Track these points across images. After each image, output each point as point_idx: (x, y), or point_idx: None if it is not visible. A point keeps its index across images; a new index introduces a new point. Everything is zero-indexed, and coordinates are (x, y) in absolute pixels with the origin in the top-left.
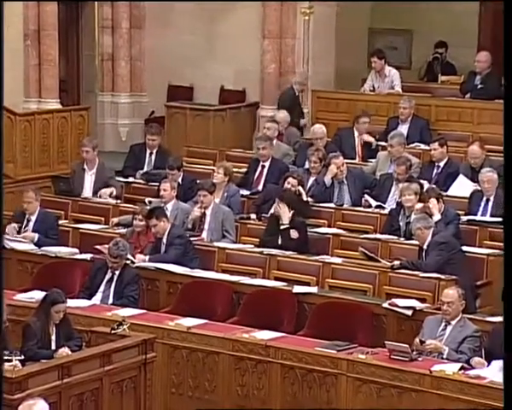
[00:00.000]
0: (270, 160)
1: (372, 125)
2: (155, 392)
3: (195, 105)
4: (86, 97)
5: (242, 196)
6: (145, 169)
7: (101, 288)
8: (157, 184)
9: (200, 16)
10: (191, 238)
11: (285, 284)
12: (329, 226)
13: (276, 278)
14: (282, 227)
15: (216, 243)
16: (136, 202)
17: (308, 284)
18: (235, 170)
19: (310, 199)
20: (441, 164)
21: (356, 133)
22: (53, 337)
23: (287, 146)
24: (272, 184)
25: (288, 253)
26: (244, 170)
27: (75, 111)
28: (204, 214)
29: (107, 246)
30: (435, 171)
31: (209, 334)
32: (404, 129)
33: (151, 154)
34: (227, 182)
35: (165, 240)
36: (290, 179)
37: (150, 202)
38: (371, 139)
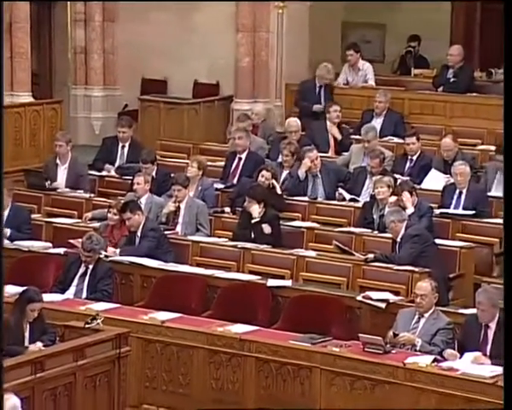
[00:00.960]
0: (246, 152)
1: (346, 118)
2: (129, 386)
3: (169, 98)
4: (59, 91)
5: (217, 189)
6: (117, 162)
7: (75, 282)
8: (131, 177)
9: (173, 9)
10: (165, 232)
11: (259, 277)
12: (303, 220)
13: (251, 272)
14: (253, 221)
15: (190, 237)
16: (109, 196)
17: (282, 277)
18: (209, 163)
19: (283, 192)
20: (414, 157)
21: (329, 125)
22: (26, 334)
23: (261, 139)
24: (246, 178)
25: (262, 246)
26: (218, 163)
27: (48, 104)
28: (178, 208)
29: (80, 240)
30: (408, 164)
31: (183, 328)
32: (378, 122)
33: (123, 147)
34: (201, 175)
35: (139, 233)
36: (264, 172)
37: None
38: (338, 136)
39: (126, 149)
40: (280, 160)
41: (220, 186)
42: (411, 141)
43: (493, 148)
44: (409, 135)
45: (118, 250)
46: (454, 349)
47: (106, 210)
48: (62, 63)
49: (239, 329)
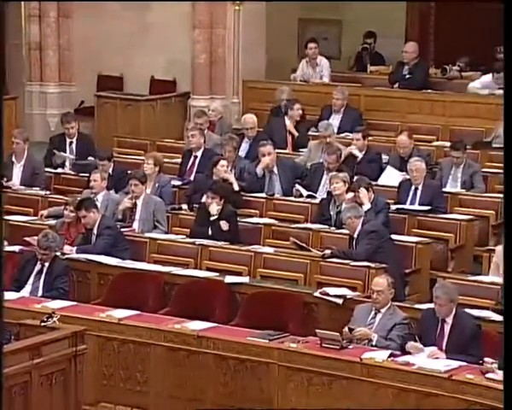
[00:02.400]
0: (202, 149)
1: (303, 114)
2: (86, 384)
3: (125, 95)
4: (13, 87)
5: (174, 186)
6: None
7: (31, 280)
8: (87, 174)
9: (130, 5)
10: (122, 229)
11: (217, 274)
12: (261, 216)
13: (208, 269)
14: (211, 218)
15: (147, 234)
16: (65, 193)
17: (240, 273)
18: (166, 160)
19: (238, 188)
20: (360, 154)
21: (287, 122)
22: None
23: (217, 136)
24: (202, 174)
25: (219, 243)
26: (175, 160)
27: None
28: (135, 205)
29: (36, 238)
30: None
31: (140, 325)
32: (337, 119)
33: (71, 143)
34: (157, 172)
35: (95, 231)
36: (222, 162)
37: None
38: (295, 132)
39: (74, 145)
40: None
41: (177, 183)
42: (356, 137)
43: (448, 144)
44: (355, 131)
45: (74, 248)
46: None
47: (62, 208)
48: (16, 60)
49: (196, 326)
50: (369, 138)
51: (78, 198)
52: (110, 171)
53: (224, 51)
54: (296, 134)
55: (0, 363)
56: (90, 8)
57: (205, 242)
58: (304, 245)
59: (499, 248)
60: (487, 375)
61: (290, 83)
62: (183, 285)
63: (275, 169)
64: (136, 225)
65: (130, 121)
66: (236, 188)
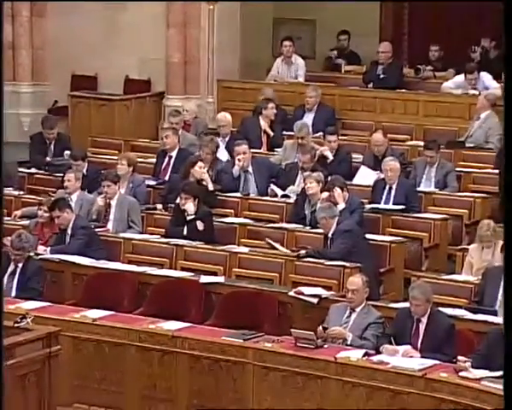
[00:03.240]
0: (176, 149)
1: (285, 113)
2: (61, 385)
3: (100, 95)
4: None
5: (148, 186)
6: (47, 158)
7: (4, 281)
8: (61, 174)
9: (103, 4)
10: (96, 229)
11: (192, 274)
12: (236, 216)
13: (183, 269)
14: (188, 218)
15: (122, 234)
16: (39, 193)
17: (215, 273)
18: (140, 160)
19: (213, 188)
20: (332, 155)
21: (262, 122)
22: None
23: (192, 136)
24: (177, 174)
25: (194, 243)
26: (150, 160)
27: None
28: (109, 205)
29: (9, 238)
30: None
31: (115, 325)
32: (310, 118)
33: (50, 143)
34: (131, 172)
35: (69, 231)
36: (200, 163)
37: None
38: (270, 132)
39: (53, 145)
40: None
41: (152, 183)
42: (332, 139)
43: (422, 143)
44: (330, 133)
45: (48, 248)
46: (391, 344)
47: (36, 208)
48: None
49: (171, 326)
50: (344, 138)
51: (52, 198)
52: (84, 171)
53: (198, 51)
54: (271, 134)
55: (0, 362)
56: (63, 7)
57: (180, 242)
58: (277, 246)
59: (473, 247)
60: (461, 373)
61: (264, 83)
62: (157, 285)
63: (250, 169)
64: (110, 226)
65: (104, 121)
66: (211, 188)
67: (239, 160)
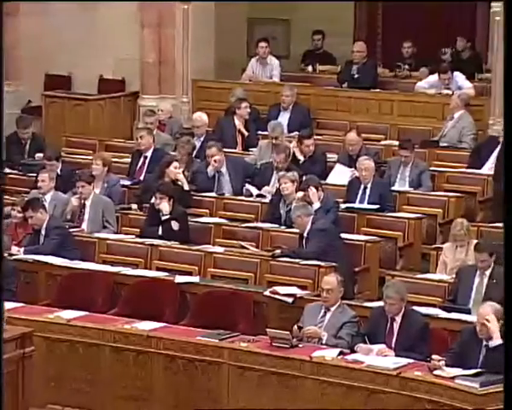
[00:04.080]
0: (151, 150)
1: (259, 113)
2: (34, 386)
3: (74, 94)
4: None
5: (123, 186)
6: (24, 157)
7: None
8: (35, 174)
9: (77, 4)
10: (71, 229)
11: (167, 274)
12: (211, 216)
13: (158, 269)
14: (163, 218)
15: (96, 234)
16: (13, 193)
17: (190, 273)
18: (115, 160)
19: (188, 188)
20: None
21: (237, 122)
22: None
23: (167, 136)
24: (152, 174)
25: (169, 243)
26: (124, 160)
27: None
28: (84, 205)
29: None
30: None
31: (89, 326)
32: (285, 117)
33: (25, 143)
34: (106, 172)
35: (43, 232)
36: (175, 163)
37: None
38: (245, 132)
39: (28, 145)
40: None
41: (127, 183)
42: (308, 143)
43: (396, 143)
44: (305, 137)
45: (22, 249)
46: (365, 343)
47: (9, 208)
48: None
49: (146, 326)
50: (319, 138)
51: (26, 198)
52: (58, 171)
53: (173, 51)
54: (246, 133)
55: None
56: (37, 6)
57: (155, 241)
58: (251, 249)
59: (446, 246)
60: (435, 372)
61: (239, 82)
62: (132, 285)
63: (223, 169)
64: (84, 226)
65: (78, 121)
66: (186, 188)
67: (214, 161)
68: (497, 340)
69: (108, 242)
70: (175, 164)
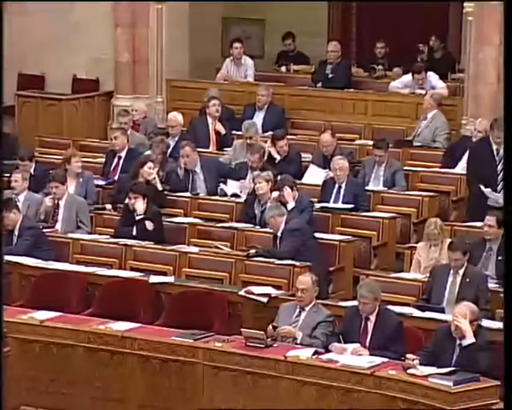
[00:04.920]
0: (126, 150)
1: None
2: (8, 388)
3: (47, 94)
4: None
5: (98, 186)
6: None
7: None
8: (8, 175)
9: (51, 3)
10: (44, 230)
11: (141, 274)
12: (185, 216)
13: (133, 269)
14: (137, 218)
15: (70, 235)
16: None
17: (165, 273)
18: (89, 160)
19: (162, 187)
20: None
21: (210, 121)
22: None
23: (141, 136)
24: (126, 174)
25: (144, 243)
26: (99, 160)
27: None
28: (57, 205)
29: None
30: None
31: (63, 327)
32: (260, 116)
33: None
34: (81, 168)
35: (16, 232)
36: (149, 164)
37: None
38: (222, 130)
39: None
40: None
41: (101, 183)
42: (282, 144)
43: (371, 143)
44: (279, 138)
45: None
46: (340, 342)
47: None
48: None
49: (121, 326)
50: (293, 137)
51: None
52: (32, 171)
53: (147, 50)
54: (223, 132)
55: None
56: (11, 5)
57: (129, 242)
58: (226, 250)
59: (420, 245)
60: (409, 371)
61: (214, 82)
62: (106, 286)
63: (197, 169)
64: (58, 226)
65: (52, 121)
66: (160, 188)
67: (185, 163)
68: (469, 339)
69: (82, 242)
70: (149, 164)
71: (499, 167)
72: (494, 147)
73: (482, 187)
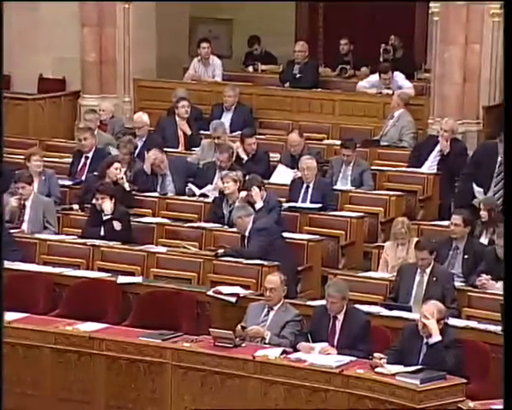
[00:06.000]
0: (93, 150)
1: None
2: None
3: (13, 94)
4: None
5: (65, 186)
6: None
7: None
8: None
9: (17, 3)
10: (11, 230)
11: (109, 274)
12: (154, 216)
13: (100, 269)
14: (104, 218)
15: (37, 235)
16: None
17: (133, 274)
18: (56, 160)
19: (130, 187)
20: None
21: (178, 121)
22: None
23: (108, 136)
24: (94, 175)
25: (111, 243)
26: (65, 160)
27: None
28: (24, 206)
29: None
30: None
31: (30, 328)
32: (228, 117)
33: None
34: (43, 168)
35: None
36: (116, 164)
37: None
38: (188, 131)
39: None
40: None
41: (68, 183)
42: (250, 142)
43: (338, 142)
44: (247, 136)
45: None
46: (308, 341)
47: None
48: None
49: (88, 327)
50: (261, 137)
51: None
52: None
53: (114, 50)
54: (189, 132)
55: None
56: None
57: (97, 242)
58: (194, 250)
59: (388, 245)
60: (376, 369)
61: (181, 82)
62: (74, 286)
63: (167, 168)
64: (25, 226)
65: (18, 121)
66: (127, 188)
67: (158, 167)
68: (436, 337)
69: (49, 243)
70: (116, 165)
71: (495, 174)
72: (499, 158)
73: (475, 186)
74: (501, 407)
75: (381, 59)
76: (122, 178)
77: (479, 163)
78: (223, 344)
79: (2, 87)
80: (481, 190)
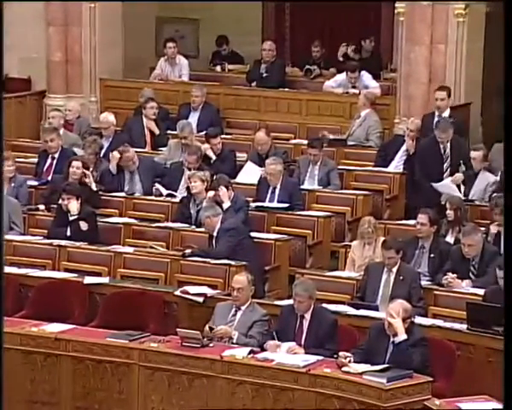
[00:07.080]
0: (59, 150)
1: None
2: None
3: None
4: None
5: (30, 186)
6: None
7: None
8: None
9: None
10: None
11: (76, 275)
12: (120, 216)
13: (67, 270)
14: (71, 219)
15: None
16: None
17: (99, 274)
18: (21, 160)
19: (97, 188)
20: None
21: (145, 121)
22: None
23: (74, 135)
24: (60, 175)
25: (78, 243)
26: (31, 160)
27: None
28: None
29: None
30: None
31: None
32: (195, 116)
33: None
34: (14, 172)
35: None
36: (74, 163)
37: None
38: (156, 130)
39: None
40: None
41: (34, 183)
42: (215, 142)
43: (305, 142)
44: (212, 136)
45: None
46: (274, 339)
47: None
48: None
49: (54, 328)
50: (228, 137)
51: None
52: None
53: (80, 49)
54: (157, 132)
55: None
56: None
57: (63, 242)
58: (161, 250)
59: (355, 244)
60: (343, 368)
61: (148, 82)
62: (40, 287)
63: (135, 166)
64: None
65: None
66: (94, 188)
67: (117, 158)
68: (402, 336)
69: (15, 243)
70: (76, 164)
71: (445, 165)
72: (441, 146)
73: (434, 184)
74: (468, 405)
75: (340, 58)
76: (86, 176)
77: (424, 160)
78: (190, 344)
79: (3, 87)
80: (441, 184)
